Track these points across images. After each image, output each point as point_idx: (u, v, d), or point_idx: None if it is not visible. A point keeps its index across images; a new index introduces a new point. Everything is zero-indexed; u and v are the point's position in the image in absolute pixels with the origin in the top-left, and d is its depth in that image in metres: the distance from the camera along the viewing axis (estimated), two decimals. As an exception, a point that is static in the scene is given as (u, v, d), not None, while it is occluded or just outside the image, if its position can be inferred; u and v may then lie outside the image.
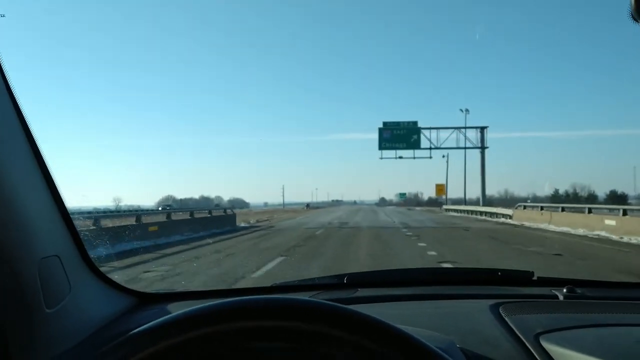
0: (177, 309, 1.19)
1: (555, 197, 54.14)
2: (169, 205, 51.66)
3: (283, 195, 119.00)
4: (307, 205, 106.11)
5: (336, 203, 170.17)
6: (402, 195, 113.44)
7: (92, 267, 1.10)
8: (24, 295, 0.83)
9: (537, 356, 0.91)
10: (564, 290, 1.34)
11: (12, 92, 0.89)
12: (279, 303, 0.60)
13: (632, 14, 0.48)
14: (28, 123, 0.93)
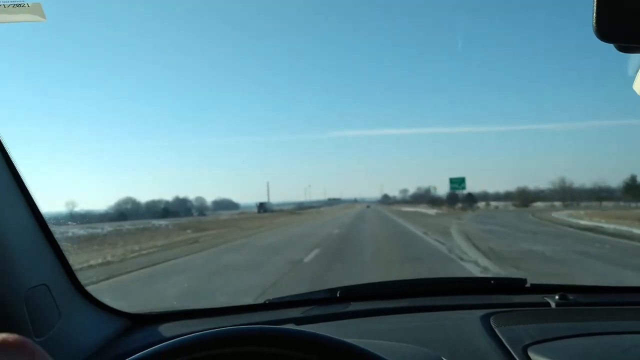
0: (169, 330, 1.25)
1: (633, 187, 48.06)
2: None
3: (268, 194, 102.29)
4: (261, 206, 69.14)
5: (333, 202, 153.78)
6: (459, 182, 53.82)
7: (81, 291, 1.10)
8: (11, 326, 0.83)
9: None
10: (556, 297, 1.34)
11: None
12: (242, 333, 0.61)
13: (595, 33, 0.50)
14: (6, 147, 0.91)
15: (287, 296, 1.53)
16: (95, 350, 1.05)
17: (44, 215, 0.99)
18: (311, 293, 1.55)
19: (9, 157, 0.92)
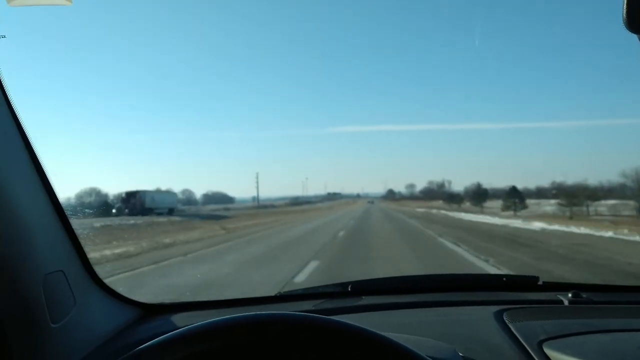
0: (181, 320, 1.25)
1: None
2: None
3: (257, 187, 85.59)
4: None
5: (332, 197, 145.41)
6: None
7: (96, 280, 1.11)
8: (29, 311, 0.84)
9: None
10: (569, 295, 1.34)
11: (10, 103, 0.88)
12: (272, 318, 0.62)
13: (624, 23, 0.49)
14: (27, 133, 0.91)
15: (299, 289, 1.55)
16: (109, 338, 1.06)
17: (61, 203, 0.99)
18: (323, 287, 1.55)
19: (30, 144, 0.92)
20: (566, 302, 1.31)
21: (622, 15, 0.49)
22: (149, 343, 0.61)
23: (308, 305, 1.37)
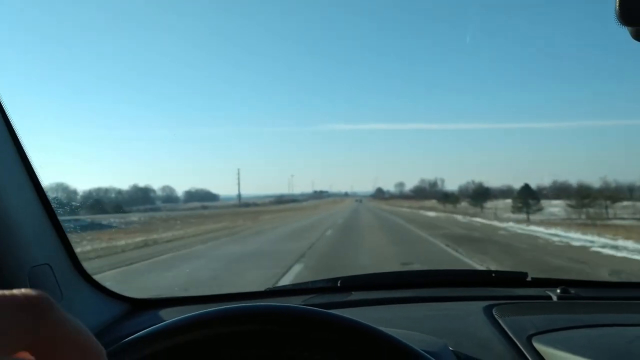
0: (169, 315, 1.24)
1: None
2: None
3: (239, 184, 78.40)
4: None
5: (319, 195, 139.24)
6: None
7: (83, 274, 1.11)
8: None
9: (529, 358, 0.92)
10: (558, 290, 1.34)
11: None
12: (265, 309, 0.62)
13: (617, 17, 0.49)
14: (14, 126, 0.91)
15: (287, 285, 1.70)
16: (96, 332, 1.05)
17: (47, 196, 0.98)
18: (312, 282, 1.54)
19: (16, 135, 0.92)
20: (555, 298, 1.32)
21: (615, 8, 0.49)
22: (139, 333, 0.61)
23: (297, 300, 1.35)
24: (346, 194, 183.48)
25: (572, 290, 1.34)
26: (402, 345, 0.59)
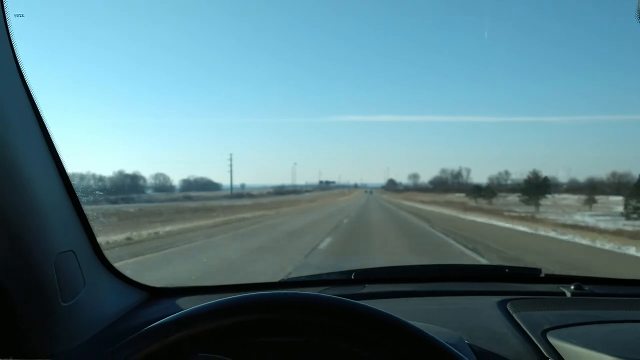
0: (187, 304, 1.27)
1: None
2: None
3: (231, 172, 67.37)
4: None
5: (325, 186, 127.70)
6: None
7: (105, 262, 1.12)
8: (41, 289, 0.85)
9: (544, 352, 0.93)
10: (572, 287, 1.34)
11: (27, 87, 0.88)
12: (291, 298, 0.64)
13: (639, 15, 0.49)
14: (43, 117, 0.92)
15: (302, 276, 1.59)
16: (116, 319, 1.08)
17: (72, 183, 0.99)
18: (327, 274, 1.56)
19: (44, 123, 0.93)
20: (568, 294, 1.32)
21: (638, 7, 0.48)
22: (162, 320, 0.61)
23: (311, 292, 1.31)
24: (356, 186, 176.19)
25: (586, 287, 1.35)
26: (430, 340, 0.60)
